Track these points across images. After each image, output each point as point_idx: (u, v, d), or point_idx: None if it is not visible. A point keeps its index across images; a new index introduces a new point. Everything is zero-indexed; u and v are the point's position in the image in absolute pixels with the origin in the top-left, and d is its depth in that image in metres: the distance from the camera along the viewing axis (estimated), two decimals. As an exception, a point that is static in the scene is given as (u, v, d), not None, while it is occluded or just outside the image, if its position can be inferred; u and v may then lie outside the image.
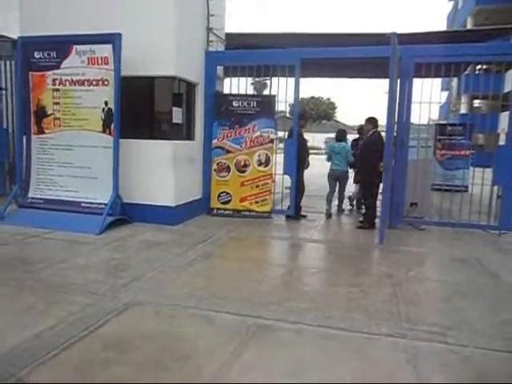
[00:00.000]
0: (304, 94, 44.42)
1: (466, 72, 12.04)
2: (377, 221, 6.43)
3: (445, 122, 14.40)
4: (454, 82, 22.97)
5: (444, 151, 11.44)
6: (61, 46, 6.05)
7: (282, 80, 6.95)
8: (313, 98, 55.00)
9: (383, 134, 6.18)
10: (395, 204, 6.50)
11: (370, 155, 6.41)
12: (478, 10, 26.27)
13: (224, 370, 2.42)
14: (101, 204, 5.92)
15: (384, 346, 2.79)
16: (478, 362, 2.61)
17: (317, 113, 54.84)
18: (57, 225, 5.68)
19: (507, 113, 6.43)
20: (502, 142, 7.86)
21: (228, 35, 7.88)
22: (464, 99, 25.12)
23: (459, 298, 3.74)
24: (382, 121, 6.12)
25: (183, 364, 2.48)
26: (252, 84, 37.50)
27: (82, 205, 6.07)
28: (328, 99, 57.90)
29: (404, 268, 4.51)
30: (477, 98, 25.21)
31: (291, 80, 6.84)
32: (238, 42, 7.85)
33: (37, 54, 6.22)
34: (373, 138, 6.59)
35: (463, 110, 25.44)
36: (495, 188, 6.62)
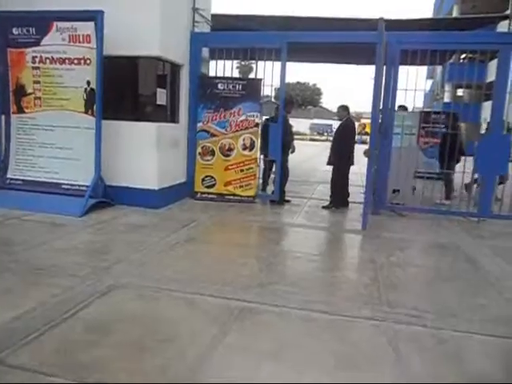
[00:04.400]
0: (290, 79, 44.20)
1: (451, 60, 12.12)
2: (361, 206, 6.51)
3: (429, 110, 14.51)
4: (439, 70, 23.14)
5: (427, 139, 11.53)
6: (40, 21, 5.85)
7: (269, 64, 6.89)
8: (298, 83, 54.80)
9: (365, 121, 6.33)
10: (378, 190, 6.59)
11: (343, 140, 6.88)
12: (464, -2, 26.32)
13: (208, 352, 2.43)
14: (82, 186, 5.83)
15: (365, 328, 2.84)
16: (455, 344, 2.68)
17: (302, 98, 54.73)
18: (37, 206, 5.56)
19: (489, 102, 6.50)
20: (483, 131, 7.96)
21: (214, 16, 7.73)
22: (448, 88, 25.35)
23: (438, 282, 3.83)
24: (368, 107, 6.20)
25: (167, 346, 2.48)
26: (237, 68, 37.12)
27: (63, 186, 5.96)
28: (314, 85, 57.81)
29: (386, 253, 4.57)
30: (460, 87, 25.46)
31: (277, 64, 6.78)
32: (224, 24, 7.72)
33: (15, 30, 6.00)
34: (345, 124, 6.98)
35: (447, 98, 25.68)
36: (475, 176, 6.74)
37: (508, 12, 6.68)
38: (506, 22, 6.44)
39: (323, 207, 6.97)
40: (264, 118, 7.65)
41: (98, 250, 4.21)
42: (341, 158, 6.96)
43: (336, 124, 9.03)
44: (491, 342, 2.74)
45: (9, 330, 2.54)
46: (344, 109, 7.09)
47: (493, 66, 6.49)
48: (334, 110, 7.94)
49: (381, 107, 6.20)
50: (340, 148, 6.94)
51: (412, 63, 6.20)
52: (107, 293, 3.17)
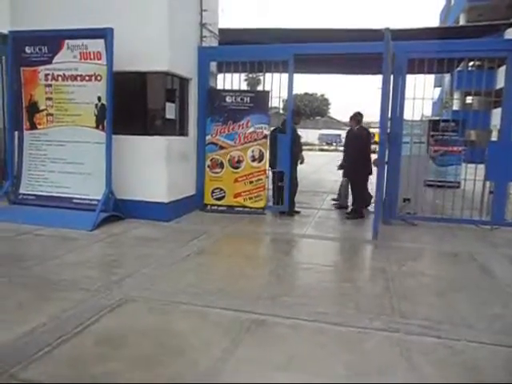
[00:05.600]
0: (298, 90, 44.43)
1: (459, 68, 12.08)
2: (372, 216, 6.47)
3: (438, 118, 14.46)
4: (447, 78, 23.08)
5: (437, 147, 11.48)
6: (52, 40, 5.99)
7: (276, 76, 6.94)
8: (306, 94, 54.97)
9: (374, 130, 6.41)
10: (388, 200, 6.55)
11: (356, 149, 6.93)
12: (470, 6, 26.37)
13: (219, 365, 2.42)
14: (93, 200, 5.89)
15: (377, 340, 2.80)
16: (470, 355, 2.63)
17: (310, 109, 54.83)
18: (49, 221, 5.63)
19: (499, 109, 6.46)
20: (494, 138, 7.89)
21: (221, 31, 7.84)
22: (456, 95, 25.25)
23: (452, 292, 3.77)
24: (376, 117, 6.21)
25: (178, 359, 2.48)
26: (245, 80, 37.39)
27: (74, 201, 6.03)
28: (322, 95, 57.89)
29: (397, 263, 4.53)
30: (469, 95, 25.36)
31: (285, 76, 6.83)
32: (232, 38, 7.81)
33: (28, 49, 6.15)
34: (357, 132, 7.09)
35: (456, 106, 25.57)
36: (487, 183, 6.67)
37: (515, 19, 6.66)
38: (513, 29, 6.43)
39: (346, 218, 7.01)
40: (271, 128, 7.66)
41: (109, 264, 4.24)
42: (355, 168, 6.99)
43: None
44: (507, 353, 2.69)
45: (21, 345, 2.56)
46: (353, 118, 7.16)
47: (502, 72, 6.45)
48: (343, 120, 8.01)
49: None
50: (354, 157, 6.95)
51: (419, 72, 6.20)
52: (118, 306, 3.18)
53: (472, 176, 6.57)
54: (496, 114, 9.26)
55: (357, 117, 7.20)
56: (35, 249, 4.66)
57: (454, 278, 4.19)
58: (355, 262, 4.91)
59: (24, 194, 6.33)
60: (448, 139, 11.37)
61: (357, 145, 7.02)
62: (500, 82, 6.71)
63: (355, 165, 6.97)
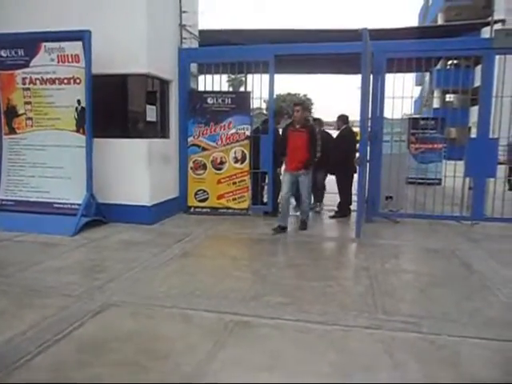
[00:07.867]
0: (281, 90, 44.56)
1: (438, 67, 12.27)
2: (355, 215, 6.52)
3: (418, 116, 14.65)
4: (427, 76, 23.42)
5: (417, 145, 11.63)
6: (29, 43, 5.88)
7: (258, 76, 6.95)
8: (289, 94, 55.12)
9: (356, 129, 6.49)
10: (371, 198, 6.61)
11: (342, 149, 6.89)
12: (447, 6, 26.80)
13: (203, 367, 2.41)
14: (74, 204, 5.81)
15: (361, 337, 2.83)
16: (451, 349, 2.68)
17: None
18: (29, 227, 5.53)
19: (477, 107, 6.58)
20: (473, 135, 8.04)
21: (202, 32, 7.82)
22: (436, 94, 25.64)
23: (434, 288, 3.83)
24: (356, 116, 6.28)
25: (162, 363, 2.46)
26: (228, 81, 37.25)
27: (55, 206, 5.94)
28: (305, 95, 58.12)
29: (380, 260, 4.58)
30: (448, 93, 25.78)
31: (266, 76, 6.84)
32: (212, 39, 7.80)
33: (3, 53, 6.03)
34: (344, 133, 7.10)
35: (436, 104, 25.96)
36: (467, 180, 6.79)
37: (490, 19, 6.81)
38: (489, 28, 6.56)
39: (330, 217, 7.00)
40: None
41: (91, 269, 4.19)
42: (341, 168, 7.01)
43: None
44: (487, 346, 2.73)
45: (1, 353, 2.51)
46: (339, 119, 7.21)
47: (479, 71, 6.59)
48: (326, 119, 8.05)
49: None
50: (339, 158, 6.96)
51: (398, 71, 6.29)
52: (101, 312, 3.14)
53: (452, 173, 6.68)
54: (474, 112, 9.43)
55: (343, 117, 7.24)
56: (16, 255, 4.57)
57: (435, 273, 4.25)
58: (338, 260, 4.94)
59: (3, 200, 6.21)
60: (428, 137, 11.55)
61: (342, 145, 7.03)
62: (477, 81, 6.84)
63: (340, 164, 6.98)
